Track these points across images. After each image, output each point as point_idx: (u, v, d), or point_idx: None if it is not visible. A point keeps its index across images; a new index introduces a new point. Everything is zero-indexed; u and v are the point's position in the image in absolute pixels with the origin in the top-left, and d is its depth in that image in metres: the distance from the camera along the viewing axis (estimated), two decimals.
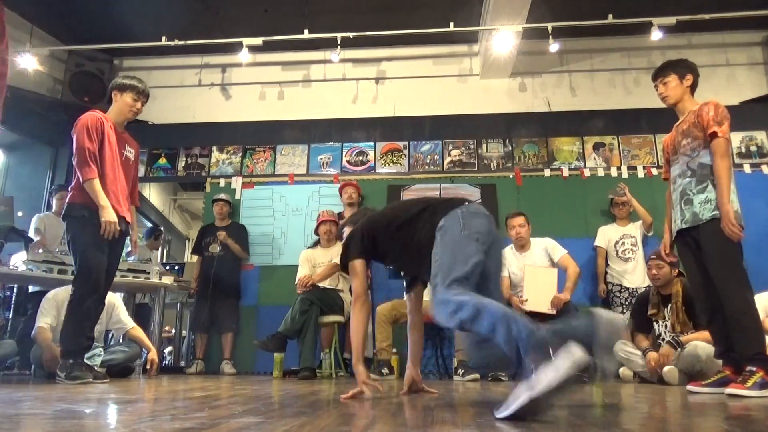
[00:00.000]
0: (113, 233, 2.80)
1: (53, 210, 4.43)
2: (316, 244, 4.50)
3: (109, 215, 2.79)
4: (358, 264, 2.18)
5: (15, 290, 4.30)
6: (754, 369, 2.20)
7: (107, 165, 2.93)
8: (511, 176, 5.14)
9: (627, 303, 4.24)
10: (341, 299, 4.13)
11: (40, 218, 4.33)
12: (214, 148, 5.56)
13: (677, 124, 2.70)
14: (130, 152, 3.14)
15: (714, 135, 2.43)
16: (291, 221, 5.15)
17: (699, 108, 2.55)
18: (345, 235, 2.38)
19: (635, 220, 4.54)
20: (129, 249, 3.28)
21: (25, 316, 4.12)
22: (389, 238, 2.14)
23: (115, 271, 3.14)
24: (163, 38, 5.31)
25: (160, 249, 6.08)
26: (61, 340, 2.85)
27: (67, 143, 3.82)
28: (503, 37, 4.92)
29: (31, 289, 4.19)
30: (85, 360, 3.01)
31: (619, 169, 5.08)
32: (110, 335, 4.06)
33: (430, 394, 2.28)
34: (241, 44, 5.21)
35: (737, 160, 4.89)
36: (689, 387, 2.53)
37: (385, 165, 5.32)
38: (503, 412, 1.29)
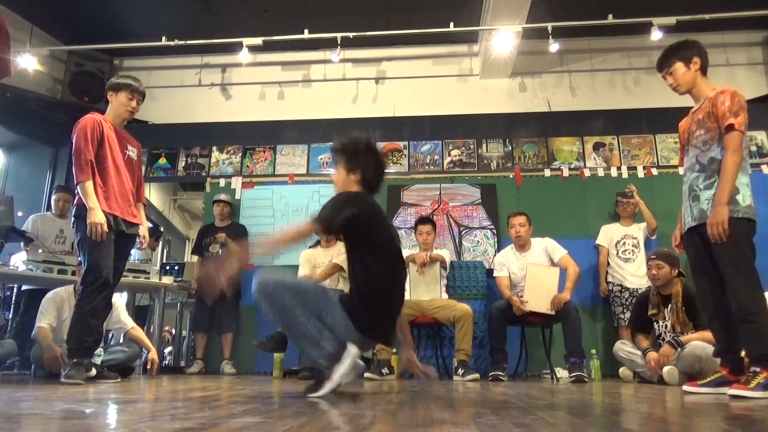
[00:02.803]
0: (100, 234, 2.76)
1: (52, 210, 4.43)
2: (316, 244, 4.50)
3: (95, 216, 2.76)
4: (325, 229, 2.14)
5: (15, 290, 4.30)
6: (758, 370, 2.16)
7: (110, 167, 2.93)
8: (511, 176, 5.14)
9: (627, 303, 4.24)
10: None
11: (33, 220, 4.30)
12: (214, 148, 5.56)
13: (693, 110, 2.58)
14: (132, 151, 3.14)
15: (730, 127, 2.32)
16: (291, 221, 5.15)
17: (714, 96, 2.43)
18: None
19: (640, 221, 4.54)
20: (140, 245, 3.23)
21: (17, 315, 4.13)
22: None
23: (122, 273, 3.13)
24: (163, 38, 5.31)
25: (159, 249, 6.08)
26: (67, 339, 2.84)
27: (67, 143, 3.82)
28: (503, 37, 4.92)
29: (24, 287, 4.19)
30: (92, 360, 3.02)
31: (619, 169, 5.08)
32: (110, 335, 4.06)
33: (428, 376, 2.43)
34: (241, 44, 5.21)
35: None
36: (685, 387, 2.51)
37: None
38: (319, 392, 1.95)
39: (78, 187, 2.82)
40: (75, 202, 2.91)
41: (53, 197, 4.47)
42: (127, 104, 3.05)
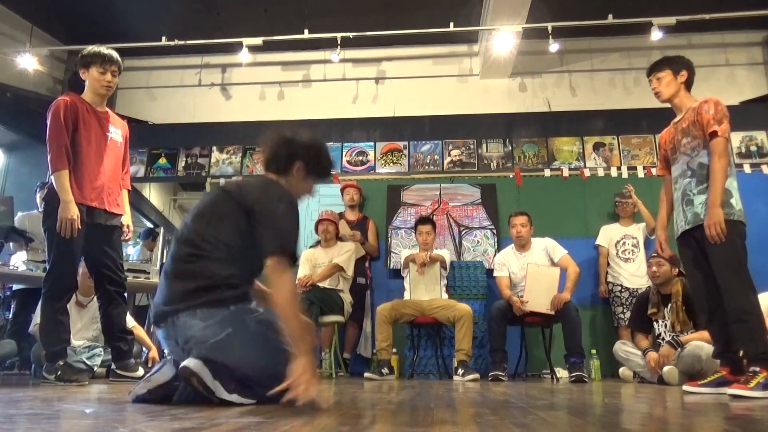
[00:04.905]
0: (70, 231, 2.52)
1: (38, 208, 4.20)
2: (316, 244, 4.50)
3: (68, 211, 2.50)
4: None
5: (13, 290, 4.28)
6: (757, 369, 2.18)
7: (85, 151, 2.65)
8: (511, 176, 5.14)
9: (627, 303, 4.24)
10: (341, 299, 4.12)
11: (20, 218, 4.11)
12: (214, 148, 5.56)
13: (675, 121, 2.67)
14: (116, 133, 2.83)
15: (714, 134, 2.41)
16: None
17: (699, 105, 2.52)
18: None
19: (639, 221, 4.54)
20: (124, 235, 2.93)
21: (12, 316, 4.09)
22: None
23: (119, 268, 2.86)
24: (163, 38, 5.31)
25: (160, 248, 6.07)
26: (44, 344, 2.64)
27: None
28: (503, 37, 4.92)
29: (14, 286, 4.12)
30: (84, 360, 2.99)
31: (619, 169, 5.08)
32: None
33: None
34: (241, 44, 5.21)
35: (737, 160, 4.87)
36: (685, 387, 2.54)
37: (385, 165, 5.32)
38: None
39: (52, 177, 2.55)
40: (48, 185, 2.65)
41: (37, 194, 4.23)
42: (100, 79, 2.70)
